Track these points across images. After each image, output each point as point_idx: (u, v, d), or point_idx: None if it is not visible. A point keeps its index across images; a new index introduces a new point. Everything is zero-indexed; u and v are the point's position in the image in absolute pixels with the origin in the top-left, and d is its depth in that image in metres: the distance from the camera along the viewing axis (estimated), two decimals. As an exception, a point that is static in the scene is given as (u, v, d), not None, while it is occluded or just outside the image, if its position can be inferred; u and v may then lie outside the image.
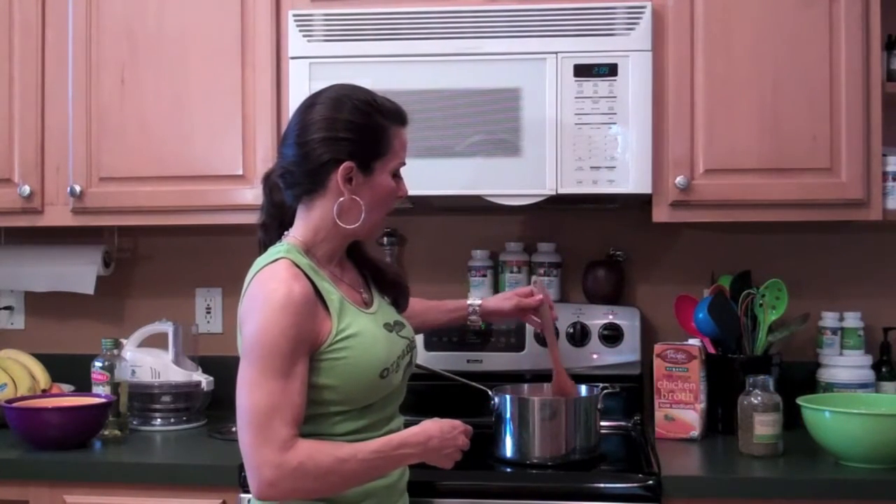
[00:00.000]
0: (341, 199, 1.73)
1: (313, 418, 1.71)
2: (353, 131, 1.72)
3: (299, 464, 1.60)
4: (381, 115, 1.75)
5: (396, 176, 1.79)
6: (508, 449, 2.14)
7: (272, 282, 1.66)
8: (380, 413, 1.77)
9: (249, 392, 1.62)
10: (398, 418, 1.86)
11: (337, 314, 1.71)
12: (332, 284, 1.75)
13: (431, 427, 1.75)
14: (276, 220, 1.83)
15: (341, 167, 1.71)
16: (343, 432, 1.73)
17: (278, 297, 1.63)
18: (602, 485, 2.00)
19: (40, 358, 2.62)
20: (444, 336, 2.54)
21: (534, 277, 2.34)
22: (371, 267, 1.91)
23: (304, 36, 2.34)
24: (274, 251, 1.74)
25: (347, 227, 1.74)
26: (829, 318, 2.53)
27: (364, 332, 1.72)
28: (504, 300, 2.21)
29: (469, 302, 2.20)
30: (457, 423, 1.80)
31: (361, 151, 1.73)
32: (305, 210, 1.77)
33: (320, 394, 1.70)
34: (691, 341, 2.39)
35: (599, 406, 2.16)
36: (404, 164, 1.80)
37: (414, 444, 1.72)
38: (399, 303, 1.93)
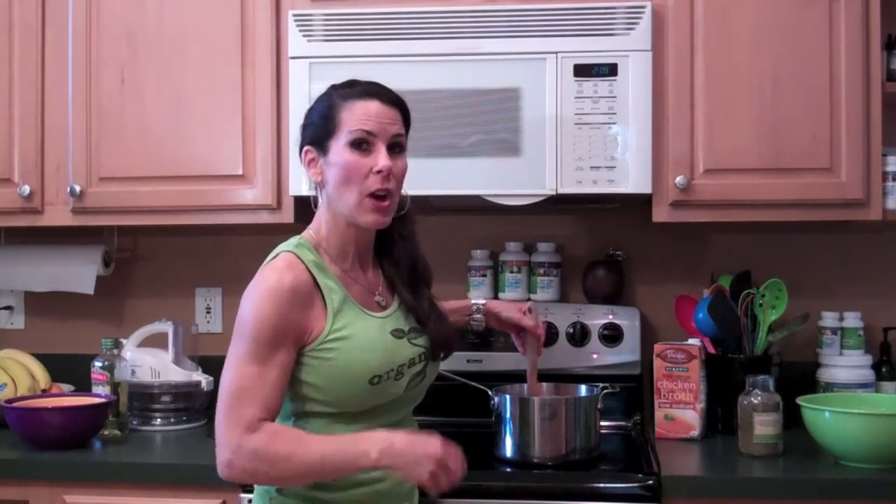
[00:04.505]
0: (322, 187, 1.76)
1: (305, 416, 1.72)
2: (311, 117, 1.79)
3: (256, 447, 1.61)
4: (336, 95, 1.76)
5: (363, 148, 1.72)
6: (508, 449, 2.14)
7: (267, 271, 1.70)
8: (379, 420, 1.75)
9: (227, 372, 1.66)
10: (405, 429, 1.79)
11: (333, 313, 1.70)
12: (338, 283, 1.74)
13: (398, 433, 1.63)
14: None
15: (302, 152, 1.78)
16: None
17: (267, 286, 1.67)
18: (602, 485, 2.00)
19: (40, 358, 2.63)
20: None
21: (530, 302, 2.22)
22: (393, 261, 1.86)
23: (304, 36, 2.34)
24: (283, 245, 1.76)
25: (338, 213, 1.75)
26: (829, 318, 2.53)
27: (358, 335, 1.71)
28: (506, 307, 2.17)
29: (473, 301, 2.17)
30: (435, 438, 1.61)
31: (315, 134, 1.76)
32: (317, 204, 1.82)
33: (308, 391, 1.70)
34: (691, 341, 2.39)
35: (599, 406, 2.16)
36: (367, 132, 1.71)
37: (375, 440, 1.60)
38: (418, 287, 1.86)
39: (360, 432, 1.70)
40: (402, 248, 1.86)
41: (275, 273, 1.68)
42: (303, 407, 1.72)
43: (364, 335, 1.72)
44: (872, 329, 2.55)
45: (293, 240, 1.77)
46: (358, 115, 1.73)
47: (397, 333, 1.78)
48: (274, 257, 1.73)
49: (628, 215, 2.63)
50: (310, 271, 1.71)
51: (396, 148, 1.76)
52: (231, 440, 1.62)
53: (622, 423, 2.49)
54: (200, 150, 2.44)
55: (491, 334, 2.53)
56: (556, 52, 2.28)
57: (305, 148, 1.78)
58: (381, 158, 1.72)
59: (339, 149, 1.73)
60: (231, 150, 2.44)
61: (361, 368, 1.70)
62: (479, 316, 2.15)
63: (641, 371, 2.52)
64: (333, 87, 1.80)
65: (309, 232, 1.80)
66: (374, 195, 1.72)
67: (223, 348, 2.68)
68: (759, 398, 2.16)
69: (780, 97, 2.29)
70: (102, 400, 2.34)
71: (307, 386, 1.70)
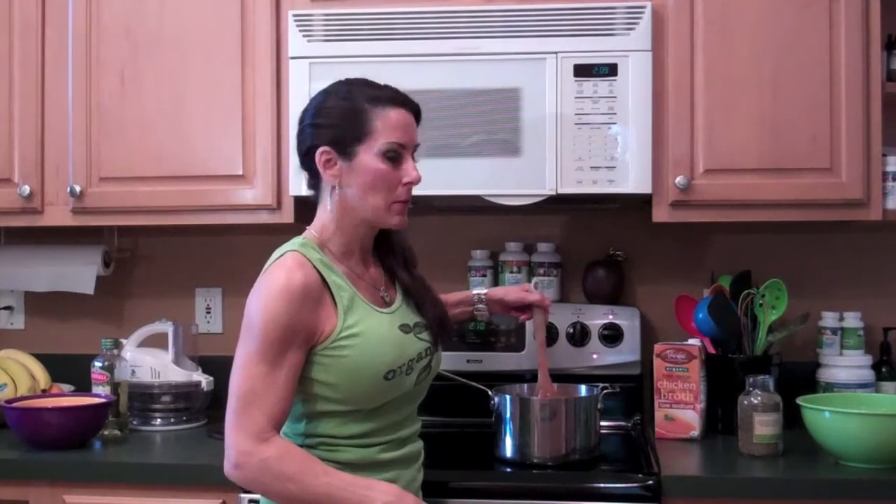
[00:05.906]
0: (335, 188, 1.74)
1: (318, 416, 1.72)
2: (332, 117, 1.74)
3: (266, 458, 1.62)
4: (364, 99, 1.73)
5: (394, 159, 1.73)
6: (508, 449, 2.14)
7: (276, 270, 1.69)
8: (390, 417, 1.76)
9: (236, 372, 1.66)
10: (412, 426, 1.84)
11: (344, 311, 1.71)
12: (346, 280, 1.74)
13: (410, 495, 1.70)
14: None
15: (317, 152, 1.73)
16: (349, 434, 1.72)
17: (277, 285, 1.66)
18: (602, 485, 2.00)
19: (40, 358, 2.63)
20: (444, 336, 2.54)
21: (534, 279, 2.33)
22: (390, 248, 1.88)
23: (304, 36, 2.34)
24: (286, 245, 1.76)
25: (358, 215, 1.76)
26: (829, 318, 2.53)
27: (370, 331, 1.72)
28: (507, 290, 2.20)
29: (474, 292, 2.18)
30: None
31: (339, 136, 1.73)
32: (319, 204, 1.80)
33: (321, 391, 1.70)
34: (691, 341, 2.39)
35: (599, 406, 2.16)
36: (401, 144, 1.73)
37: (384, 491, 1.66)
38: (410, 269, 1.89)
39: (400, 440, 1.77)
40: (392, 236, 1.88)
41: (284, 272, 1.67)
42: (314, 407, 1.72)
43: (375, 331, 1.73)
44: (872, 329, 2.55)
45: (297, 239, 1.77)
46: (392, 127, 1.73)
47: (404, 328, 1.80)
48: (279, 257, 1.73)
49: (628, 215, 2.63)
50: (318, 270, 1.71)
51: (414, 154, 1.79)
52: (241, 444, 1.63)
53: (622, 423, 2.49)
54: (200, 150, 2.44)
55: (492, 334, 2.54)
56: (556, 52, 2.28)
57: (323, 148, 1.73)
58: (412, 170, 1.76)
59: (369, 157, 1.72)
60: (231, 151, 2.44)
61: (376, 364, 1.71)
62: (482, 306, 2.16)
63: (641, 371, 2.53)
64: (350, 85, 1.77)
65: (311, 232, 1.80)
66: (398, 200, 1.75)
67: (223, 348, 2.68)
68: (759, 398, 2.16)
69: (780, 97, 2.29)
70: (102, 400, 2.34)
71: (320, 385, 1.70)
